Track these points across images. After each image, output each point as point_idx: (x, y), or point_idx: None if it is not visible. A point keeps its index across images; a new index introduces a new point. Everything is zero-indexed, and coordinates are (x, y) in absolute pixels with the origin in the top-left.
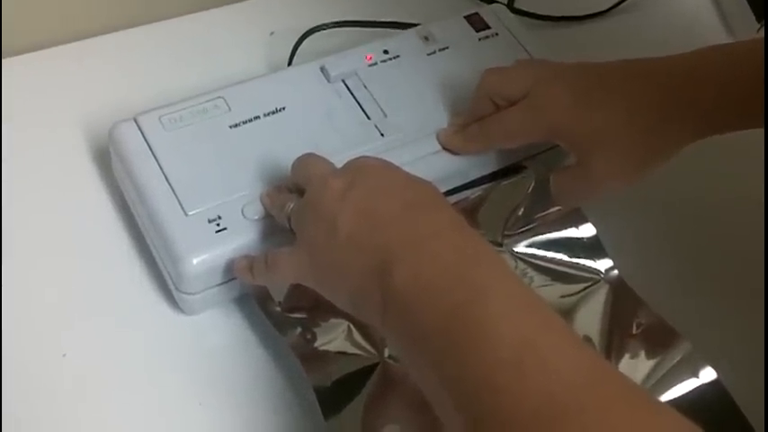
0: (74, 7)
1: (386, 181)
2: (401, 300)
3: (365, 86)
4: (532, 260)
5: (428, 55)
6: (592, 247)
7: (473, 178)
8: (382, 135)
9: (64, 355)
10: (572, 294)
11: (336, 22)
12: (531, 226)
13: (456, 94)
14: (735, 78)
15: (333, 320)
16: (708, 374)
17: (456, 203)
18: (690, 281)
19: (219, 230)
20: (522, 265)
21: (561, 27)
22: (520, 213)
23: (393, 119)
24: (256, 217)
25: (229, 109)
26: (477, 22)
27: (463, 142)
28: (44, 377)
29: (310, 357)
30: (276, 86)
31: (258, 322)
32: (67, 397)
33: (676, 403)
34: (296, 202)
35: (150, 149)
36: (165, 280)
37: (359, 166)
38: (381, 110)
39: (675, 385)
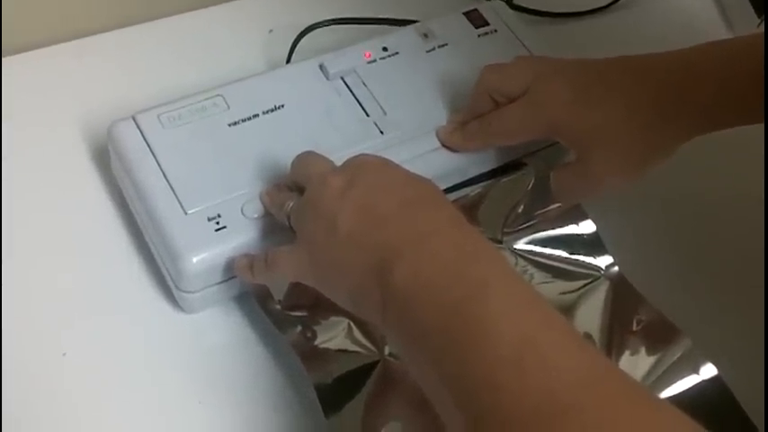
0: (73, 6)
1: (385, 179)
2: (401, 297)
3: (364, 84)
4: (532, 257)
5: (427, 52)
6: (592, 244)
7: (473, 175)
8: (381, 132)
9: (64, 354)
10: (572, 291)
11: (335, 20)
12: (531, 223)
13: (455, 91)
14: (734, 74)
15: (333, 318)
16: (708, 371)
17: (456, 201)
18: (690, 277)
19: (219, 229)
20: (522, 263)
21: (560, 23)
22: (520, 210)
23: (392, 116)
24: (256, 215)
25: (228, 107)
26: (476, 19)
27: (462, 139)
28: (44, 376)
29: (311, 355)
30: (275, 84)
31: (258, 320)
32: (67, 396)
33: (677, 399)
34: (295, 200)
35: (149, 148)
36: (165, 278)
37: (358, 164)
38: (380, 107)
39: (676, 382)
